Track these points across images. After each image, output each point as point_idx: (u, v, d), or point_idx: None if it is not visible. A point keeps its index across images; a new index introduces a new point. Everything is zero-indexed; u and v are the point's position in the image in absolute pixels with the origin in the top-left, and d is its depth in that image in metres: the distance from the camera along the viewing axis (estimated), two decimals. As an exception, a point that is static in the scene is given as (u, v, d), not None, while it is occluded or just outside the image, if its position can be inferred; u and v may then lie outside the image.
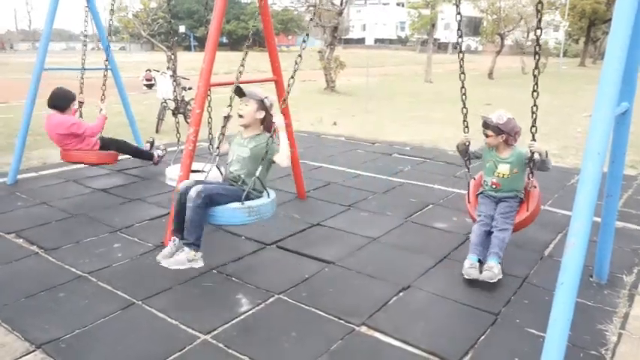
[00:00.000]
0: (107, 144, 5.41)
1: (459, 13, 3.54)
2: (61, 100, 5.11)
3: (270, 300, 3.17)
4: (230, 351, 2.64)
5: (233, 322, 2.92)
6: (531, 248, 4.01)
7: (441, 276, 3.55)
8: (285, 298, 3.20)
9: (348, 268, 3.64)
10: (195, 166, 4.17)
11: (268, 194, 3.41)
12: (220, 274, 3.52)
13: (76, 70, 5.99)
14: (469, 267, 3.43)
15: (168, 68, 9.56)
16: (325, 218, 4.66)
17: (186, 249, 3.23)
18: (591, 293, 3.32)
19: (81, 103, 5.58)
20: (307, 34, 3.53)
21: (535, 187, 3.73)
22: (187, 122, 8.44)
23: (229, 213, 3.20)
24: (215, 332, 2.81)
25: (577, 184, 2.14)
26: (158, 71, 9.13)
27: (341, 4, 17.68)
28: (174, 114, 6.92)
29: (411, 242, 4.15)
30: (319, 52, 18.18)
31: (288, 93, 3.50)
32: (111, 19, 5.67)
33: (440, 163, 7.01)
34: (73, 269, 3.53)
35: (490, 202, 3.78)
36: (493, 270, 3.34)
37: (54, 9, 5.57)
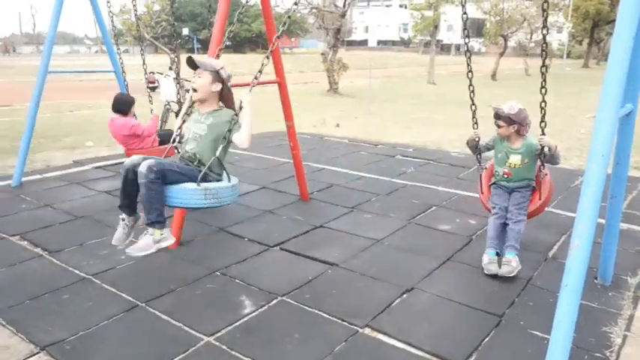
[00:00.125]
0: (164, 139, 5.46)
1: (464, 13, 3.55)
2: (123, 105, 5.23)
3: (274, 302, 3.17)
4: (233, 353, 2.64)
5: (236, 324, 2.92)
6: (535, 250, 4.00)
7: (444, 278, 3.54)
8: (289, 300, 3.20)
9: (351, 269, 3.64)
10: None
11: (229, 179, 3.11)
12: (223, 276, 3.52)
13: (79, 73, 6.02)
14: (488, 262, 3.52)
15: (170, 69, 9.57)
16: (328, 220, 4.66)
17: (149, 230, 2.90)
18: (595, 295, 3.31)
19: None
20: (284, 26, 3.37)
21: (547, 174, 3.78)
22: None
23: (183, 193, 2.89)
24: (218, 334, 2.81)
25: (581, 186, 2.13)
26: (161, 74, 9.14)
27: (344, 6, 17.71)
28: (178, 116, 6.93)
29: (415, 244, 4.14)
30: (322, 54, 18.22)
31: (256, 79, 3.23)
32: (111, 13, 5.72)
33: (443, 164, 7.00)
34: (77, 271, 3.54)
35: (503, 192, 3.84)
36: (511, 264, 3.43)
37: (58, 12, 5.60)
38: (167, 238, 2.96)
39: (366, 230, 4.41)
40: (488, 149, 3.98)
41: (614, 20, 2.07)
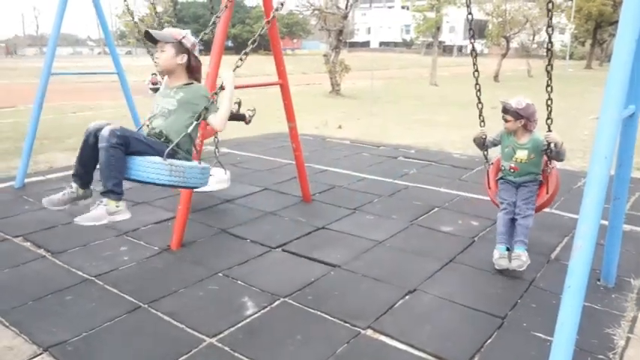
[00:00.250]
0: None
1: (470, 13, 3.57)
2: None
3: (276, 303, 3.17)
4: (236, 354, 2.64)
5: (239, 325, 2.92)
6: (538, 251, 3.99)
7: (446, 279, 3.54)
8: (291, 301, 3.20)
9: (353, 271, 3.64)
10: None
11: (200, 161, 2.95)
12: (226, 278, 3.52)
13: (82, 75, 6.04)
14: (499, 257, 3.55)
15: None
16: (331, 221, 4.66)
17: (104, 200, 2.66)
18: (599, 297, 3.30)
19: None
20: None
21: (553, 167, 3.82)
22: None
23: (146, 166, 2.67)
24: (221, 335, 2.81)
25: (584, 187, 2.13)
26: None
27: (346, 7, 17.73)
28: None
29: (417, 245, 4.14)
30: (324, 55, 18.23)
31: (241, 60, 3.11)
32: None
33: (445, 166, 7.00)
34: (80, 272, 3.55)
35: (510, 187, 3.87)
36: (521, 258, 3.48)
37: (61, 14, 5.61)
38: (123, 212, 2.71)
39: (368, 232, 4.41)
40: (495, 144, 4.00)
41: (616, 21, 2.06)
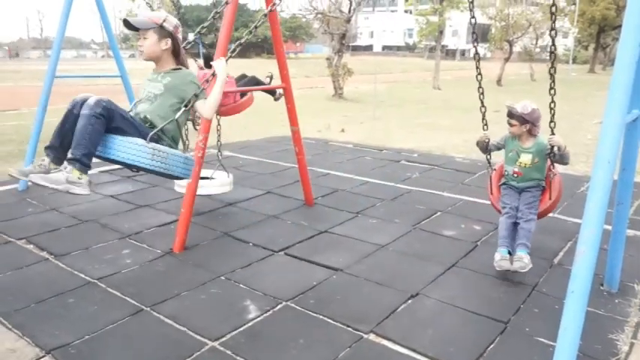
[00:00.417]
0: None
1: (473, 17, 3.57)
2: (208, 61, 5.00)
3: (278, 307, 3.17)
4: (238, 358, 2.64)
5: (241, 328, 2.92)
6: (541, 256, 3.98)
7: (449, 283, 3.53)
8: (293, 305, 3.20)
9: (356, 275, 3.64)
10: (204, 172, 4.19)
11: (186, 148, 2.87)
12: (228, 281, 3.52)
13: (86, 78, 6.07)
14: (500, 259, 3.53)
15: None
16: (333, 225, 4.66)
17: (68, 167, 2.51)
18: (602, 302, 3.29)
19: None
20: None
21: (556, 174, 3.80)
22: (196, 129, 8.49)
23: (128, 147, 2.57)
24: (223, 339, 2.81)
25: (587, 192, 2.12)
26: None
27: (349, 11, 17.76)
28: None
29: (420, 250, 4.13)
30: (327, 59, 18.26)
31: (235, 51, 3.09)
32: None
33: (448, 170, 6.99)
34: (83, 275, 3.56)
35: (513, 192, 3.87)
36: (523, 260, 3.45)
37: (66, 18, 5.64)
38: (82, 186, 2.53)
39: (370, 235, 4.40)
40: (499, 149, 4.00)
41: (620, 26, 2.05)
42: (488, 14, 27.20)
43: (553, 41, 3.24)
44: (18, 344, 2.74)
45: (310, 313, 3.11)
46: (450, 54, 61.52)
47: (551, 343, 2.70)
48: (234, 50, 3.17)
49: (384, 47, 75.34)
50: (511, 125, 3.77)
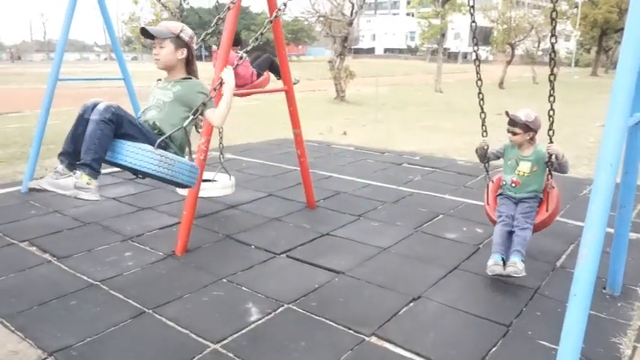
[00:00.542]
0: (262, 69, 5.25)
1: (474, 21, 3.53)
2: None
3: (280, 309, 3.17)
4: (240, 360, 2.64)
5: (243, 331, 2.92)
6: (543, 259, 3.98)
7: (451, 286, 3.53)
8: (295, 307, 3.20)
9: (358, 278, 3.63)
10: (206, 175, 4.20)
11: (191, 158, 2.91)
12: (230, 283, 3.52)
13: (89, 81, 6.08)
14: (493, 264, 3.46)
15: None
16: (335, 228, 4.66)
17: (77, 172, 2.52)
18: (604, 305, 3.28)
19: None
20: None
21: (554, 187, 3.77)
22: (198, 132, 8.49)
23: (135, 152, 2.58)
24: (225, 341, 2.81)
25: (589, 195, 2.12)
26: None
27: (351, 14, 17.79)
28: None
29: (422, 252, 4.13)
30: (329, 61, 18.28)
31: (241, 58, 3.11)
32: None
33: (450, 172, 6.99)
34: (85, 277, 3.56)
35: (510, 202, 3.83)
36: (517, 265, 3.37)
37: (69, 21, 5.66)
38: (91, 191, 2.53)
39: (372, 238, 4.40)
40: (498, 157, 3.97)
41: (622, 29, 2.05)
42: (491, 17, 27.21)
43: (553, 47, 3.22)
44: (20, 346, 2.74)
45: (312, 315, 3.10)
46: (452, 57, 61.57)
47: (554, 346, 2.69)
48: (241, 57, 3.19)
49: (386, 50, 75.46)
50: (514, 134, 3.73)
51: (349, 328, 2.95)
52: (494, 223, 3.84)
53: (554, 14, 3.10)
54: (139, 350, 2.73)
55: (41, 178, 2.60)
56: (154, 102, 2.87)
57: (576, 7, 35.98)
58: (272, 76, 5.31)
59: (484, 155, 3.94)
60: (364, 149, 8.71)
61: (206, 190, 4.76)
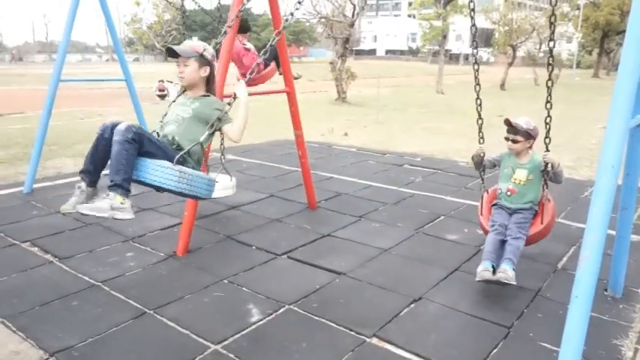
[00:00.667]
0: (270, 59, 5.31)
1: (473, 25, 3.47)
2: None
3: (281, 310, 3.17)
4: (241, 361, 2.64)
5: (244, 332, 2.92)
6: (545, 261, 3.97)
7: (452, 288, 3.53)
8: (296, 308, 3.20)
9: (359, 279, 3.63)
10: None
11: (208, 171, 2.97)
12: (231, 284, 3.53)
13: (91, 82, 6.11)
14: (482, 270, 3.35)
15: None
16: (336, 229, 4.66)
17: (111, 194, 2.58)
18: (606, 307, 3.28)
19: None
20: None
21: (549, 200, 3.71)
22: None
23: (155, 169, 2.66)
24: (226, 342, 2.81)
25: (591, 197, 2.12)
26: (171, 82, 9.21)
27: (352, 15, 17.81)
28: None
29: (423, 254, 4.13)
30: (331, 63, 18.30)
31: (253, 72, 3.19)
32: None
33: (451, 174, 6.98)
34: (87, 278, 3.57)
35: (504, 212, 3.76)
36: (507, 272, 3.26)
37: (71, 22, 5.67)
38: (127, 210, 2.61)
39: (373, 239, 4.40)
40: (494, 165, 3.90)
41: (624, 31, 2.03)
42: (492, 19, 27.21)
43: (551, 52, 3.15)
44: (22, 346, 2.75)
45: (313, 316, 3.11)
46: (453, 58, 61.57)
47: (555, 348, 2.69)
48: (252, 71, 3.24)
49: (388, 51, 75.49)
50: (515, 142, 3.66)
51: (350, 329, 2.96)
52: (486, 233, 3.74)
53: (552, 18, 3.04)
54: (140, 351, 2.73)
55: (68, 199, 2.69)
56: (172, 117, 2.95)
57: (578, 8, 35.96)
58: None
59: (480, 163, 3.87)
60: (365, 150, 8.71)
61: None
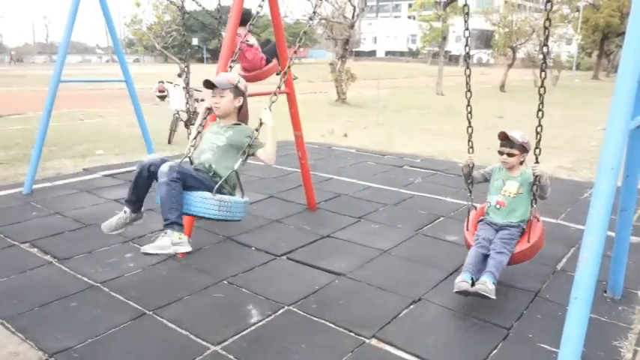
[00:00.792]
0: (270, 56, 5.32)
1: (466, 29, 3.38)
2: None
3: (281, 311, 3.17)
4: (240, 362, 2.64)
5: (243, 333, 2.92)
6: (544, 262, 3.97)
7: (452, 289, 3.49)
8: (296, 309, 3.20)
9: (358, 280, 3.63)
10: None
11: (242, 194, 3.11)
12: (231, 285, 3.52)
13: (91, 83, 6.11)
14: (461, 281, 3.19)
15: (179, 76, 9.66)
16: (336, 230, 4.66)
17: (168, 231, 2.80)
18: (605, 309, 3.28)
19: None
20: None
21: (538, 219, 3.57)
22: (187, 128, 8.50)
23: (196, 201, 2.86)
24: (225, 343, 2.81)
25: (590, 198, 2.12)
26: (171, 83, 9.21)
27: (352, 17, 17.83)
28: (187, 125, 6.97)
29: (422, 255, 4.13)
30: (330, 64, 18.32)
31: (275, 95, 3.26)
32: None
33: (450, 175, 6.99)
34: (86, 279, 3.57)
35: (490, 228, 3.61)
36: (487, 285, 3.09)
37: (71, 23, 5.67)
38: (185, 244, 2.84)
39: (373, 240, 4.40)
40: (486, 179, 3.79)
41: (623, 33, 2.04)
42: (492, 20, 27.25)
43: (544, 58, 3.10)
44: (21, 347, 2.74)
45: (312, 317, 3.11)
46: (453, 59, 61.50)
47: (554, 349, 2.69)
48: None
49: (388, 53, 75.52)
50: (511, 155, 3.54)
51: (350, 331, 2.95)
52: (468, 248, 3.57)
53: (547, 23, 2.97)
54: (139, 352, 2.73)
55: (108, 218, 3.13)
56: (207, 145, 3.13)
57: (577, 10, 35.99)
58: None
59: (469, 174, 3.75)
60: (365, 151, 8.71)
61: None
